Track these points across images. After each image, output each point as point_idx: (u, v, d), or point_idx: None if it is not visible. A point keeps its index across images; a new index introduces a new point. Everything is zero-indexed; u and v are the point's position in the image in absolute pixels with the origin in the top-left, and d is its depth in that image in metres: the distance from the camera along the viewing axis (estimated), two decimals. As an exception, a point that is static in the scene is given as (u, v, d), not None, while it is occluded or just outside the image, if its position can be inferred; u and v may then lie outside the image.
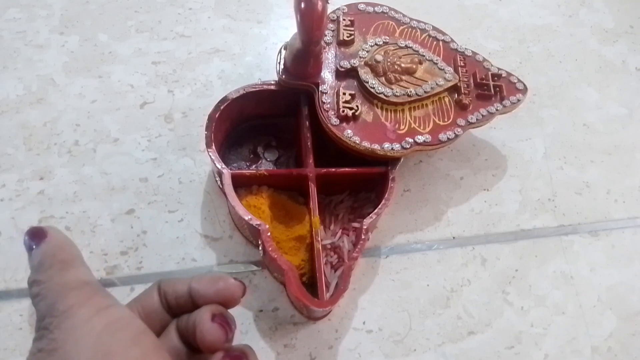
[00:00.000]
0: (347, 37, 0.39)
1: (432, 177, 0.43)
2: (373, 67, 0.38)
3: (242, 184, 0.36)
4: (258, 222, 0.33)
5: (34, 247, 0.25)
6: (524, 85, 0.40)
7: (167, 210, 0.39)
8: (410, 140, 0.36)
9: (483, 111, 0.39)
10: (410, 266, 0.38)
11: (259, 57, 0.47)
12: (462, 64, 0.40)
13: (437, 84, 0.39)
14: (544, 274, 0.39)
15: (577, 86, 0.49)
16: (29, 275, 0.25)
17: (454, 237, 0.40)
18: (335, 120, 0.36)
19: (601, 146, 0.46)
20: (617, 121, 0.47)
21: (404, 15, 0.42)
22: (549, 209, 0.42)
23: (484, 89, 0.40)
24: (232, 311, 0.27)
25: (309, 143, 0.36)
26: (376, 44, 0.40)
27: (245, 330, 0.35)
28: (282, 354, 0.35)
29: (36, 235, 0.25)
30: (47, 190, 0.39)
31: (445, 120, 0.38)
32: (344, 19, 0.40)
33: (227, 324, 0.25)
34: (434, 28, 0.42)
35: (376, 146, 0.36)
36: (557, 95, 0.48)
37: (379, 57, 0.39)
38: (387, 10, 0.42)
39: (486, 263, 0.39)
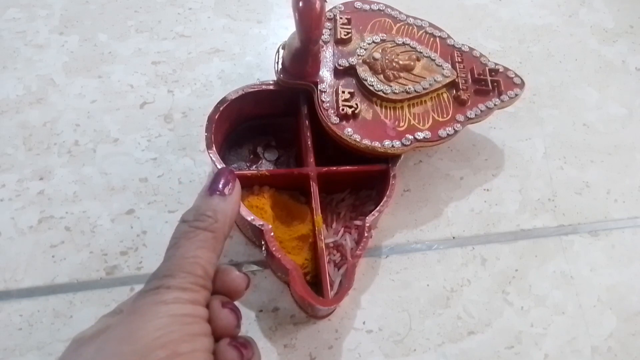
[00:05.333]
0: (345, 35, 0.39)
1: (432, 177, 0.42)
2: (371, 65, 0.38)
3: (243, 185, 0.36)
4: (261, 223, 0.33)
5: (221, 192, 0.26)
6: (521, 79, 0.40)
7: (167, 210, 0.39)
8: (410, 137, 0.36)
9: (481, 106, 0.39)
10: (410, 266, 0.38)
11: (258, 57, 0.47)
12: (459, 60, 0.40)
13: (435, 80, 0.39)
14: (544, 274, 0.39)
15: (577, 86, 0.49)
16: (188, 210, 0.26)
17: (454, 237, 0.40)
18: (335, 118, 0.36)
19: (601, 146, 0.45)
20: (617, 121, 0.47)
21: (400, 13, 0.42)
22: (549, 209, 0.42)
23: (482, 84, 0.40)
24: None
25: (309, 142, 0.36)
26: (374, 42, 0.40)
27: (245, 330, 0.35)
28: (282, 354, 0.35)
29: (227, 184, 0.26)
30: (47, 190, 0.39)
31: (444, 116, 0.38)
32: (340, 17, 0.40)
33: (237, 310, 0.25)
34: (431, 25, 0.42)
35: (376, 144, 0.36)
36: (557, 95, 0.48)
37: (377, 55, 0.39)
38: (384, 8, 0.42)
39: (486, 263, 0.39)
